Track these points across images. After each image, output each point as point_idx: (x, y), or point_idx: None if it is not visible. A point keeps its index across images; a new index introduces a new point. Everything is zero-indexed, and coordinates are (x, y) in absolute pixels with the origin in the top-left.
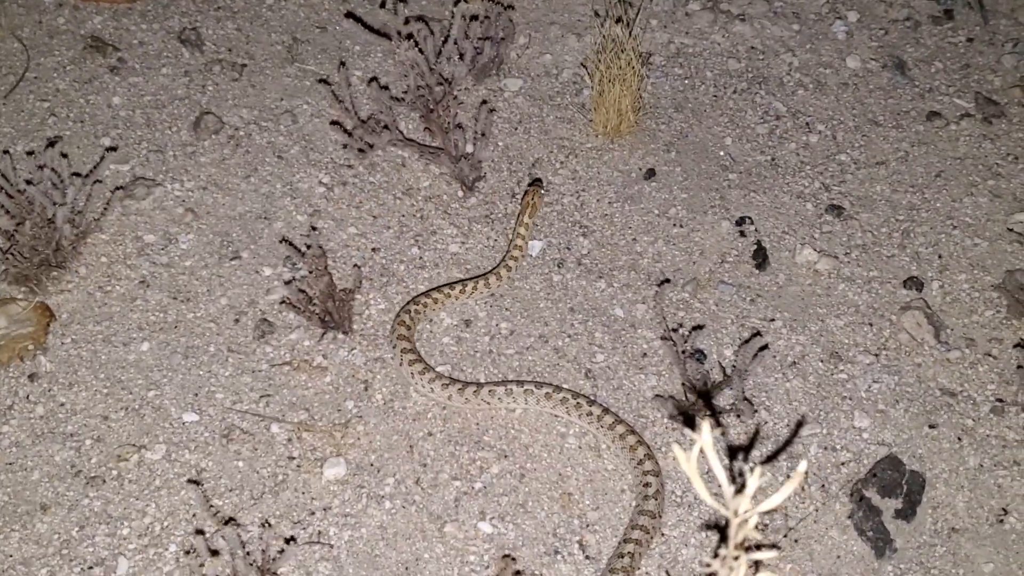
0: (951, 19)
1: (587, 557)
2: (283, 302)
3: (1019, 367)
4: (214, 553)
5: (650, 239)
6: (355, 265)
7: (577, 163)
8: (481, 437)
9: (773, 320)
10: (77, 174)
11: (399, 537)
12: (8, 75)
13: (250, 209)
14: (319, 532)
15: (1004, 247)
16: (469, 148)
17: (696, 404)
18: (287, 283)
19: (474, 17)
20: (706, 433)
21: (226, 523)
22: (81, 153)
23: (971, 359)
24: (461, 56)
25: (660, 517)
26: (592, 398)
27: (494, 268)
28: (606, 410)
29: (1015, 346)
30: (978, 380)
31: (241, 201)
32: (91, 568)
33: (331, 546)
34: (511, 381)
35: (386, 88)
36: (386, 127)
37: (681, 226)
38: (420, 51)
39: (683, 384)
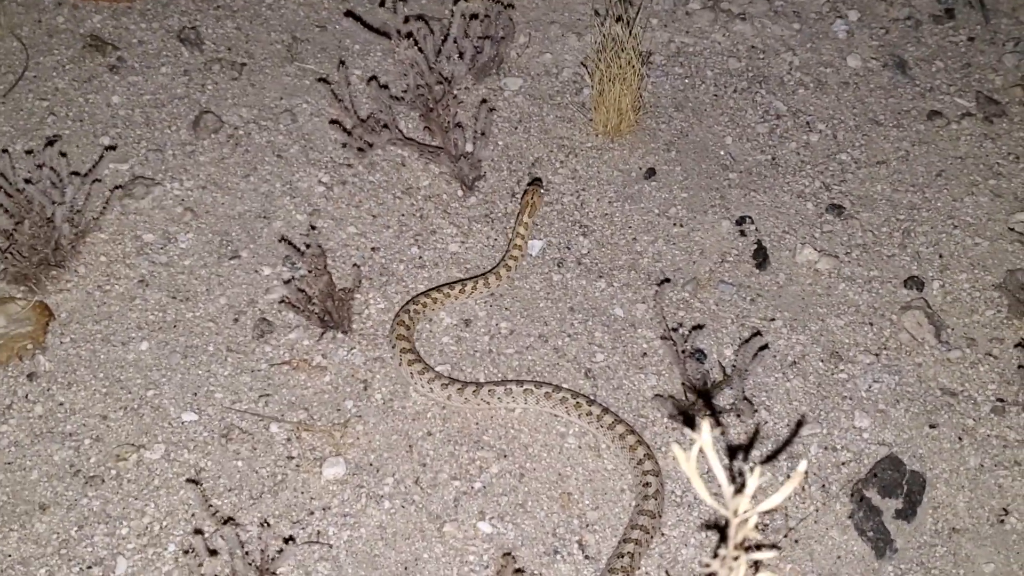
0: (952, 18)
1: (587, 557)
2: (282, 301)
3: (1020, 367)
4: (213, 553)
5: (650, 238)
6: (354, 264)
7: (577, 162)
8: (480, 437)
9: (773, 320)
10: (76, 173)
11: (398, 537)
12: (7, 74)
13: (249, 208)
14: (318, 532)
15: (1005, 246)
16: (469, 147)
17: (696, 404)
18: (286, 282)
19: (474, 16)
20: (706, 433)
21: (225, 523)
22: (80, 152)
23: (972, 359)
24: (461, 55)
25: (660, 517)
26: (592, 398)
27: (494, 268)
28: (606, 410)
29: (1016, 346)
30: (979, 380)
31: (240, 200)
32: (90, 568)
33: (330, 546)
34: (511, 381)
35: (386, 87)
36: (386, 126)
37: (681, 225)
38: (420, 50)
39: (683, 384)
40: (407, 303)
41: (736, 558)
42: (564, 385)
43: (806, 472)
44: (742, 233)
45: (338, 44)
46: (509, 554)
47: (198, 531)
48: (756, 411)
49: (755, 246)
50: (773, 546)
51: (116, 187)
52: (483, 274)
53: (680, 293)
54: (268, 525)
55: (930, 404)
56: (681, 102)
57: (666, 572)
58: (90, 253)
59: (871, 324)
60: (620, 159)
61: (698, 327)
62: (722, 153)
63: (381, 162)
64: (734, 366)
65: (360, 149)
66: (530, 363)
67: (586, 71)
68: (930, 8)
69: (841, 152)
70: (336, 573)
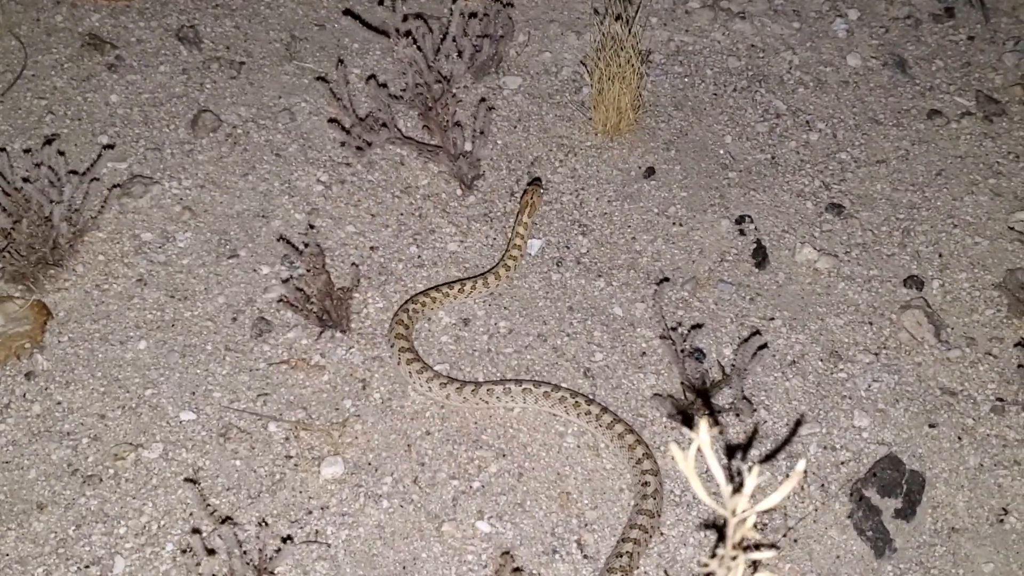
0: (952, 17)
1: (585, 556)
2: (281, 300)
3: (1020, 366)
4: (211, 552)
5: (649, 238)
6: (353, 263)
7: (576, 161)
8: (479, 436)
9: (773, 319)
10: (74, 172)
11: (397, 536)
12: (6, 73)
13: (248, 207)
14: (316, 531)
15: (1005, 246)
16: (468, 146)
17: (695, 403)
18: (285, 281)
19: (473, 14)
20: (704, 432)
21: (223, 522)
22: (78, 151)
23: (971, 358)
24: (460, 54)
25: (659, 516)
26: (591, 397)
27: (493, 267)
28: (605, 409)
29: (1015, 345)
30: (978, 379)
31: (239, 199)
32: (87, 567)
33: (328, 545)
34: (509, 380)
35: (384, 86)
36: (384, 125)
37: (680, 225)
38: (418, 48)
39: (682, 383)
40: (406, 302)
41: (734, 558)
42: (563, 384)
43: (805, 472)
44: (741, 232)
45: (337, 43)
46: (507, 553)
47: (196, 530)
48: (755, 410)
49: (754, 245)
50: (772, 546)
51: (114, 186)
52: (482, 274)
53: (679, 292)
54: (266, 524)
55: (930, 403)
56: (680, 101)
57: (665, 572)
58: (88, 252)
59: (871, 323)
60: (619, 158)
61: (697, 326)
62: (721, 152)
63: (380, 161)
64: (733, 365)
65: (359, 148)
66: (529, 362)
67: (585, 70)
68: (930, 7)
69: (841, 151)
70: (334, 572)
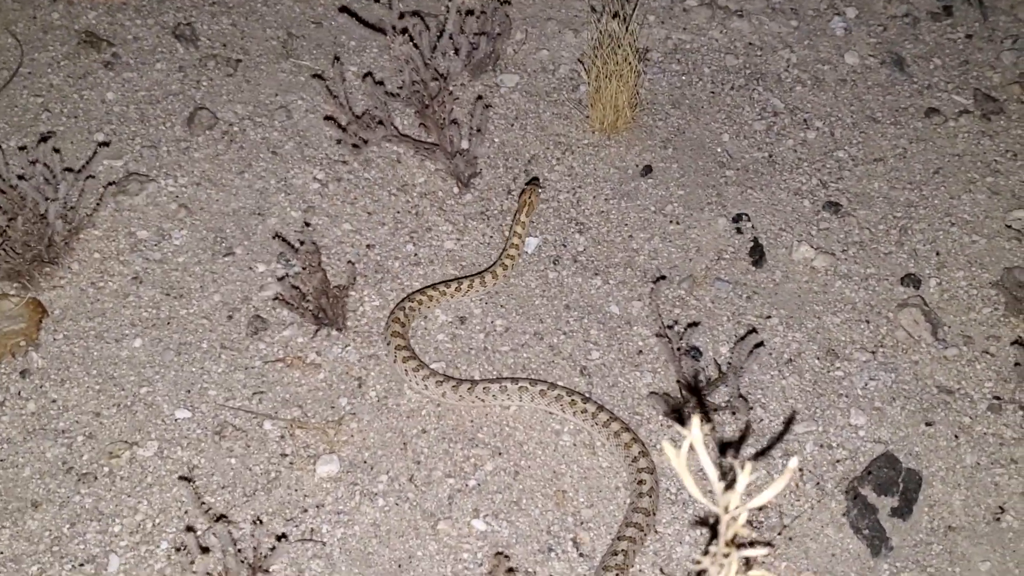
0: (950, 15)
1: (581, 555)
2: (276, 298)
3: (1016, 364)
4: (205, 550)
5: (646, 236)
6: (349, 261)
7: (573, 159)
8: (475, 434)
9: (769, 317)
10: (70, 169)
11: (392, 534)
12: (2, 70)
13: (244, 205)
14: (311, 529)
15: (1002, 244)
16: (465, 144)
17: (691, 402)
18: (280, 279)
19: (470, 12)
20: (696, 429)
21: (218, 520)
22: (74, 149)
23: (968, 356)
24: (457, 51)
25: (655, 515)
26: (587, 395)
27: (490, 266)
28: (601, 407)
29: (1012, 343)
30: (975, 378)
31: (235, 197)
32: (82, 565)
33: (323, 543)
34: (506, 378)
35: (381, 83)
36: (381, 123)
37: (677, 223)
38: (415, 46)
39: (678, 381)
40: (402, 300)
41: (727, 555)
42: (559, 383)
43: (801, 470)
44: (738, 230)
45: (334, 40)
46: (501, 554)
47: (191, 528)
48: (751, 409)
49: (751, 243)
50: (767, 543)
51: (110, 183)
52: (479, 272)
53: (676, 290)
54: (261, 522)
55: (926, 402)
56: (678, 99)
57: (661, 570)
58: (84, 250)
59: (867, 322)
60: (616, 156)
61: (694, 324)
62: (719, 150)
63: (376, 159)
64: (729, 363)
65: (355, 146)
66: (525, 360)
67: (583, 68)
68: (928, 5)
69: (838, 149)
70: (329, 571)
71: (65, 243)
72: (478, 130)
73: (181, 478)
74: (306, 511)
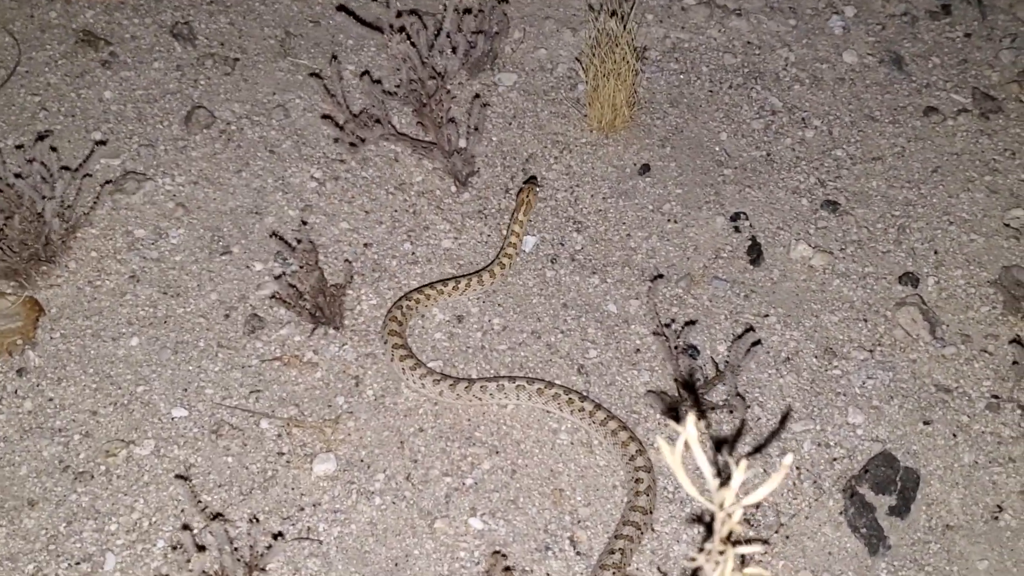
0: (949, 14)
1: (578, 553)
2: (273, 297)
3: (1014, 363)
4: (201, 549)
5: (644, 235)
6: (346, 260)
7: (571, 158)
8: (472, 433)
9: (767, 316)
10: (67, 168)
11: (389, 533)
12: None
13: (241, 204)
14: (308, 528)
15: (1000, 243)
16: (462, 143)
17: (689, 400)
18: (278, 278)
19: (468, 10)
20: (691, 426)
21: (214, 519)
22: (71, 147)
23: (966, 355)
24: (454, 50)
25: (652, 513)
26: (584, 394)
27: (488, 265)
28: (598, 406)
29: (1011, 342)
30: (973, 376)
31: (232, 196)
32: (78, 564)
33: (320, 542)
34: (503, 377)
35: (379, 82)
36: (378, 121)
37: (675, 221)
38: (413, 45)
39: (676, 380)
40: (400, 299)
41: (722, 552)
42: (557, 381)
43: (798, 468)
44: (736, 229)
45: (331, 39)
46: (498, 553)
47: (187, 527)
48: (749, 407)
49: (749, 242)
50: (763, 541)
51: (107, 182)
52: (477, 271)
53: (674, 289)
54: (257, 521)
55: (924, 400)
56: (676, 98)
57: (658, 568)
58: (81, 248)
59: (865, 320)
60: (614, 155)
61: (691, 323)
62: (717, 149)
63: (374, 158)
64: (727, 362)
65: (353, 144)
66: (523, 359)
67: (581, 66)
68: (927, 4)
69: (836, 148)
70: (326, 569)
71: (62, 242)
72: (476, 129)
73: (178, 476)
74: (303, 510)
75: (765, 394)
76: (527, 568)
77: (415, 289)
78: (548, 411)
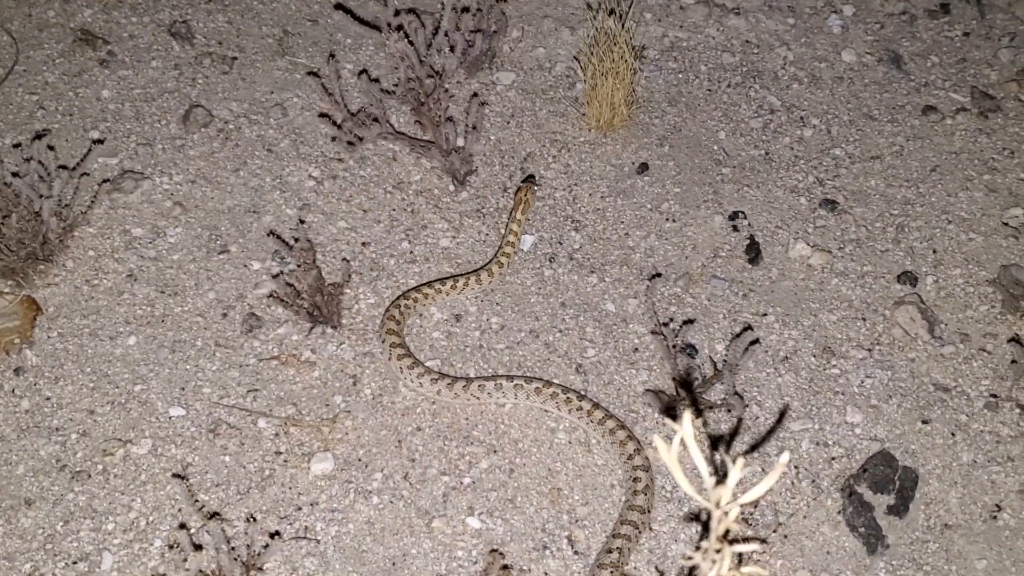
0: (947, 13)
1: (576, 552)
2: (271, 296)
3: (1013, 362)
4: (198, 548)
5: (642, 233)
6: (344, 259)
7: (570, 157)
8: (470, 432)
9: (765, 315)
10: (64, 167)
11: (386, 532)
12: None
13: (239, 203)
14: (305, 527)
15: (999, 242)
16: (460, 142)
17: (687, 399)
18: (275, 277)
19: (466, 9)
20: (687, 424)
21: (211, 518)
22: (69, 146)
23: (965, 354)
24: (452, 49)
25: (650, 512)
26: (582, 393)
27: (486, 264)
28: (596, 405)
29: (1009, 341)
30: (972, 375)
31: (230, 195)
32: (75, 563)
33: (317, 541)
34: (501, 376)
35: (377, 81)
36: (376, 120)
37: (674, 220)
38: (411, 43)
39: (674, 379)
40: (397, 298)
41: (718, 550)
42: (555, 380)
43: (796, 467)
44: (735, 228)
45: (329, 38)
46: (496, 551)
47: (184, 526)
48: (747, 406)
49: (748, 241)
50: (761, 540)
51: (104, 181)
52: (475, 270)
53: (672, 288)
54: (255, 520)
55: (923, 400)
56: (674, 97)
57: (656, 567)
58: (78, 247)
59: (864, 319)
60: (613, 154)
61: (689, 322)
62: (715, 148)
63: (372, 156)
64: (725, 361)
65: (350, 143)
66: (521, 358)
67: (579, 65)
68: (925, 3)
69: (835, 147)
70: (323, 568)
71: (60, 241)
72: (474, 128)
73: (175, 476)
74: (300, 509)
75: (763, 393)
76: (525, 567)
77: (413, 288)
78: (546, 410)
